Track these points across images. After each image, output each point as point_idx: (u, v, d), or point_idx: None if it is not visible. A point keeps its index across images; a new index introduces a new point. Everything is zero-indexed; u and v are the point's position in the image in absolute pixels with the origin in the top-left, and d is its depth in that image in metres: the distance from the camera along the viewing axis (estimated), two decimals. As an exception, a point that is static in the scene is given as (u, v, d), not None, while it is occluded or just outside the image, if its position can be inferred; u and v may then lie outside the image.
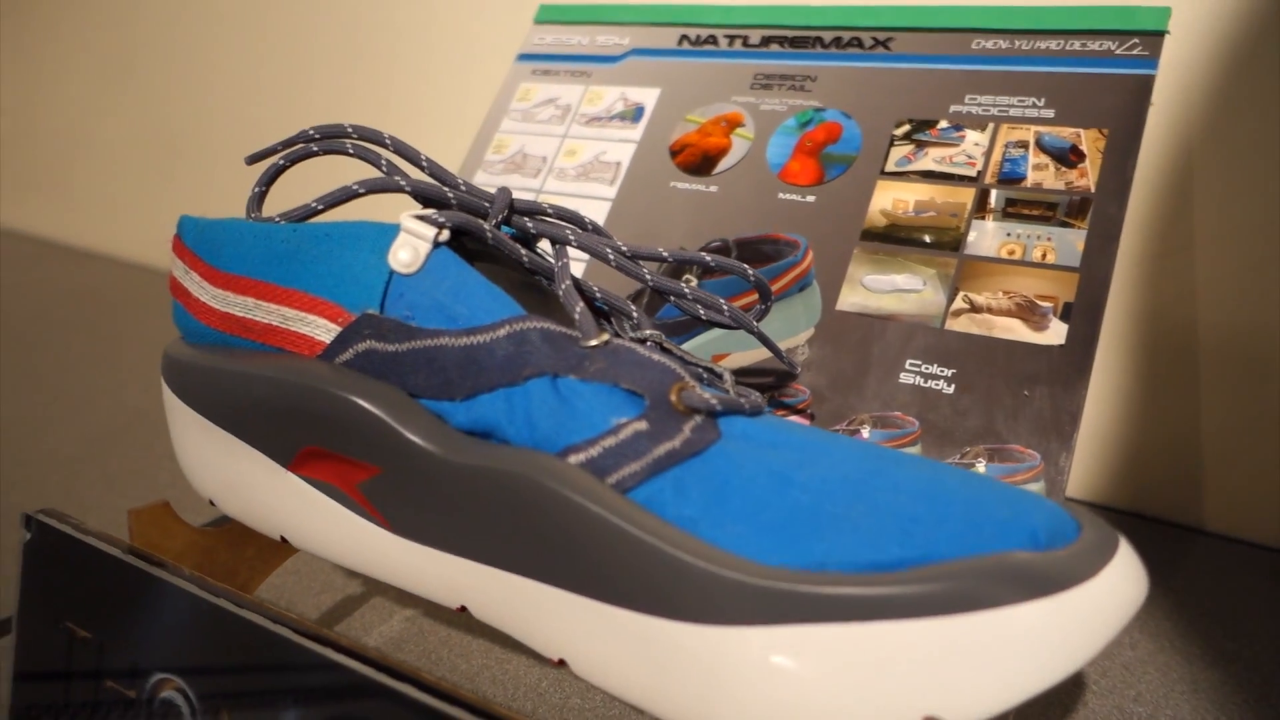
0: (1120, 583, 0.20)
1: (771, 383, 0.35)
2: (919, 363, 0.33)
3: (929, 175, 0.37)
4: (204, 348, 0.28)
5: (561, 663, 0.24)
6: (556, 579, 0.23)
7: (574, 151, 0.44)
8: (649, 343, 0.27)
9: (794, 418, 0.34)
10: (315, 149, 0.28)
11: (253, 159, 0.29)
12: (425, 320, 0.25)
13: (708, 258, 0.29)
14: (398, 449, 0.24)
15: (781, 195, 0.39)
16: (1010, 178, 0.36)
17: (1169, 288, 0.43)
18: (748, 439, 0.23)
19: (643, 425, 0.23)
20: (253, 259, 0.27)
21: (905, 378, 0.33)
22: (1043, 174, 0.35)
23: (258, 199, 0.28)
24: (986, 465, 0.31)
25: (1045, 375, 0.32)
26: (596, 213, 0.42)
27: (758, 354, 0.36)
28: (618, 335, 0.28)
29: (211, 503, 0.30)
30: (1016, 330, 0.33)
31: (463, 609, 0.26)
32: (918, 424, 0.32)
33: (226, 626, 0.24)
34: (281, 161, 0.29)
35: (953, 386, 0.33)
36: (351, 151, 0.28)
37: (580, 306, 0.25)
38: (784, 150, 0.40)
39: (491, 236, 0.26)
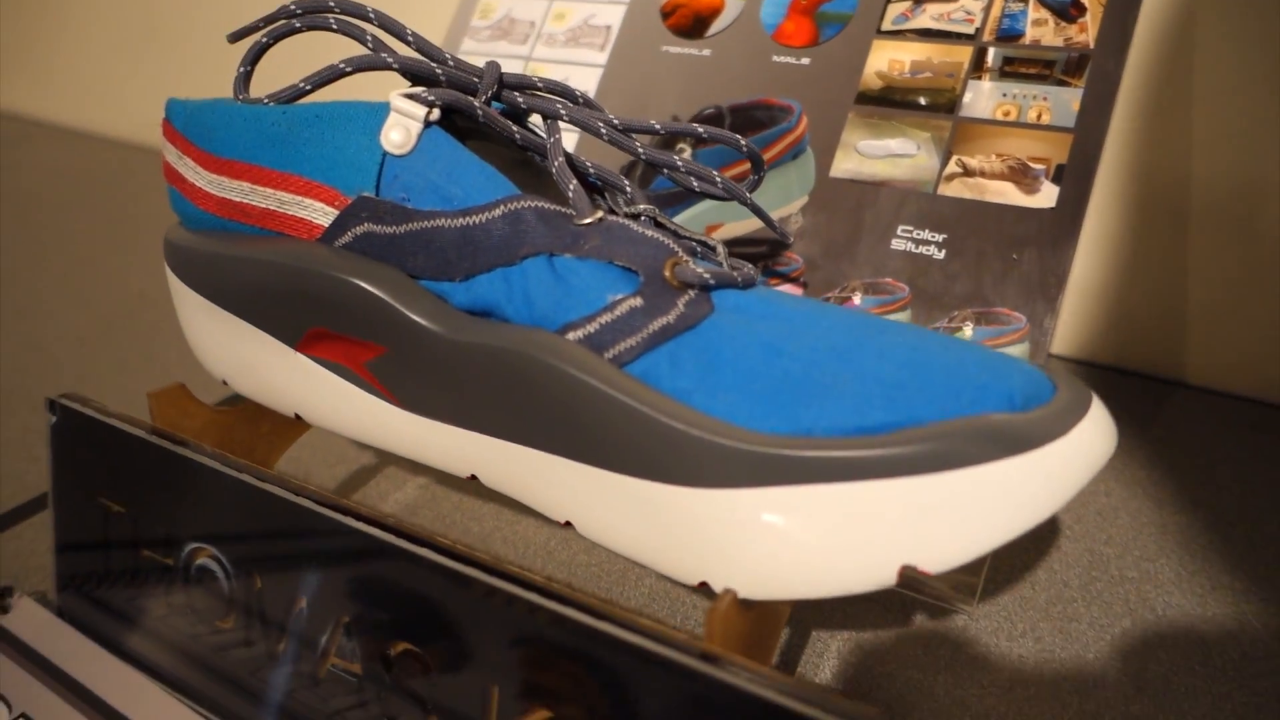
0: (1089, 439, 0.21)
1: (765, 252, 0.36)
2: (911, 228, 0.34)
3: (926, 34, 0.36)
4: (204, 233, 0.28)
5: (568, 524, 0.25)
6: (560, 448, 0.24)
7: (562, 15, 0.43)
8: (643, 217, 0.27)
9: (787, 286, 0.35)
10: (298, 25, 0.28)
11: (235, 36, 0.28)
12: (421, 201, 0.25)
13: (700, 129, 0.29)
14: (402, 329, 0.25)
15: (775, 58, 0.38)
16: (1009, 34, 0.35)
17: (1164, 144, 0.43)
18: (740, 311, 0.24)
19: (638, 301, 0.23)
20: (245, 143, 0.26)
21: (897, 244, 0.34)
22: (1042, 30, 0.34)
23: (244, 79, 0.28)
24: (974, 328, 0.32)
25: (1034, 238, 0.32)
26: (587, 80, 0.42)
27: (751, 224, 0.36)
28: (612, 211, 0.28)
29: (224, 382, 0.31)
30: (1008, 194, 0.33)
31: (473, 477, 0.27)
32: (908, 290, 0.33)
33: (252, 500, 0.26)
34: (265, 39, 0.28)
35: (944, 252, 0.33)
36: (335, 27, 0.27)
37: (574, 184, 0.25)
38: (779, 9, 0.39)
39: (482, 114, 0.26)
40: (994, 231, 0.33)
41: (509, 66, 0.43)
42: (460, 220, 0.25)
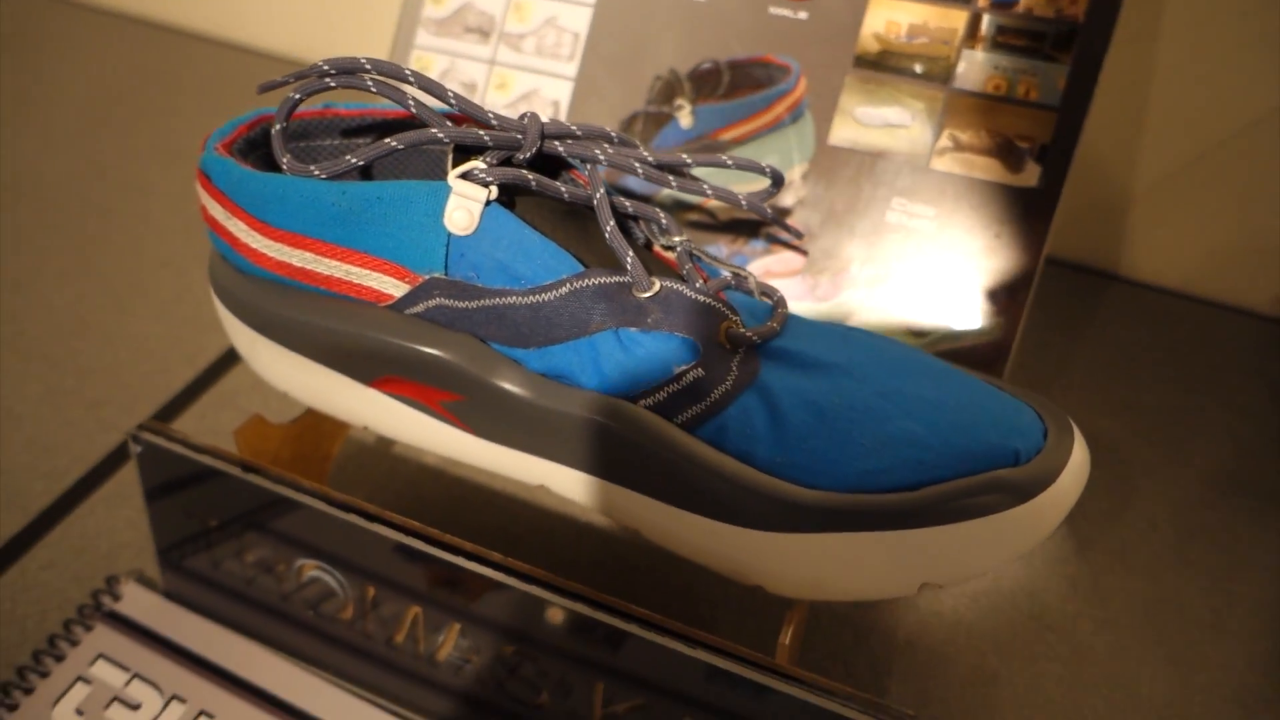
0: (1072, 481, 0.26)
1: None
2: (905, 201, 0.37)
3: (922, -7, 0.36)
4: (264, 285, 0.30)
5: (635, 530, 0.30)
6: (634, 485, 0.28)
7: (543, -58, 0.41)
8: (679, 248, 0.30)
9: (790, 253, 0.38)
10: (331, 84, 0.27)
11: (264, 88, 0.28)
12: (490, 279, 0.27)
13: (726, 159, 0.31)
14: (481, 387, 0.28)
15: (773, 10, 0.38)
16: (1002, 2, 0.36)
17: (1125, 74, 0.45)
18: (783, 360, 0.28)
19: (700, 371, 0.27)
20: (304, 219, 0.27)
21: (891, 217, 0.37)
22: (1034, -2, 0.35)
23: (281, 137, 0.28)
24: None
25: (1016, 216, 0.35)
26: (577, 20, 0.41)
27: (757, 184, 0.38)
28: (648, 245, 0.30)
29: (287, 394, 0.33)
30: (995, 170, 0.36)
31: (541, 486, 0.31)
32: (896, 265, 0.37)
33: (361, 536, 0.30)
34: (296, 95, 0.28)
35: (934, 225, 0.36)
36: (372, 88, 0.27)
37: (630, 256, 0.27)
38: (773, -46, 0.38)
39: (535, 184, 0.27)
40: (980, 207, 0.36)
41: (487, 4, 0.42)
42: (530, 298, 0.27)
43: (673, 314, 0.27)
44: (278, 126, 0.28)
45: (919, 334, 0.37)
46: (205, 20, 0.71)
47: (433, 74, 0.43)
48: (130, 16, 0.74)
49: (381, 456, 0.41)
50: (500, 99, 0.42)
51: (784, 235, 0.38)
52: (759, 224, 0.38)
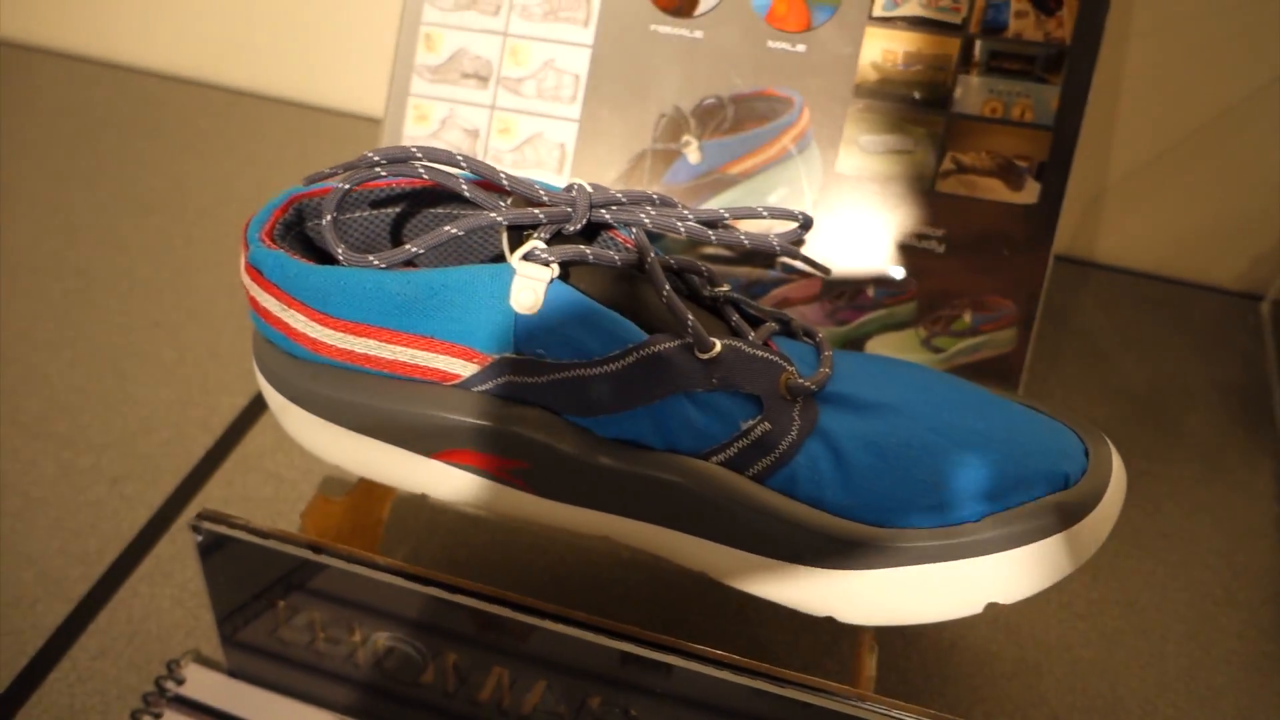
0: (1114, 499, 0.28)
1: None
2: (913, 225, 0.38)
3: (916, 22, 0.38)
4: (321, 369, 0.30)
5: (702, 572, 0.31)
6: (705, 534, 0.29)
7: (535, -16, 0.41)
8: (721, 299, 0.31)
9: (805, 280, 0.39)
10: (382, 173, 0.28)
11: (310, 180, 0.28)
12: (558, 354, 0.28)
13: (762, 210, 0.32)
14: (548, 455, 0.29)
15: (771, 44, 0.39)
16: (993, 26, 0.37)
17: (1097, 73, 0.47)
18: (839, 404, 0.29)
19: (766, 425, 0.28)
20: (366, 309, 0.28)
21: (902, 240, 0.38)
22: (1023, 22, 0.37)
23: (334, 231, 0.28)
24: (971, 315, 0.38)
25: (1020, 232, 0.37)
26: (577, 61, 0.41)
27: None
28: (692, 296, 0.31)
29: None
30: (997, 190, 0.38)
31: (604, 537, 0.32)
32: (914, 282, 0.38)
33: (434, 604, 0.30)
34: (345, 185, 0.28)
35: (943, 246, 0.38)
36: (425, 176, 0.28)
37: (690, 321, 0.28)
38: (768, -11, 0.39)
39: (593, 257, 0.28)
40: (986, 226, 0.38)
41: (483, 40, 0.42)
42: (598, 369, 0.28)
43: (735, 372, 0.28)
44: (328, 217, 0.28)
45: (936, 350, 0.38)
46: (184, 62, 0.68)
47: (432, 122, 0.43)
48: (78, 56, 0.71)
49: (420, 509, 0.41)
50: (504, 144, 0.42)
51: (808, 269, 0.39)
52: (774, 255, 0.39)
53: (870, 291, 0.39)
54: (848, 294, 0.39)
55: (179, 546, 0.41)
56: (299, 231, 0.32)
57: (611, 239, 0.31)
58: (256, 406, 0.46)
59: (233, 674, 0.36)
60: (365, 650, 0.33)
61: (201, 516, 0.32)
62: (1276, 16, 0.43)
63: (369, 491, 0.36)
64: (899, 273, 0.38)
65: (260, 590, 0.33)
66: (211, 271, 0.54)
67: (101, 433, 0.45)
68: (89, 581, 0.39)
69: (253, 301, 0.30)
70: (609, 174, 0.41)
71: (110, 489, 0.43)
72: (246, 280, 0.30)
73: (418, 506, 0.41)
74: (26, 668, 0.36)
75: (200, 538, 0.33)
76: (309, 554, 0.31)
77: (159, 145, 0.63)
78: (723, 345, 0.28)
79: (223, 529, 0.32)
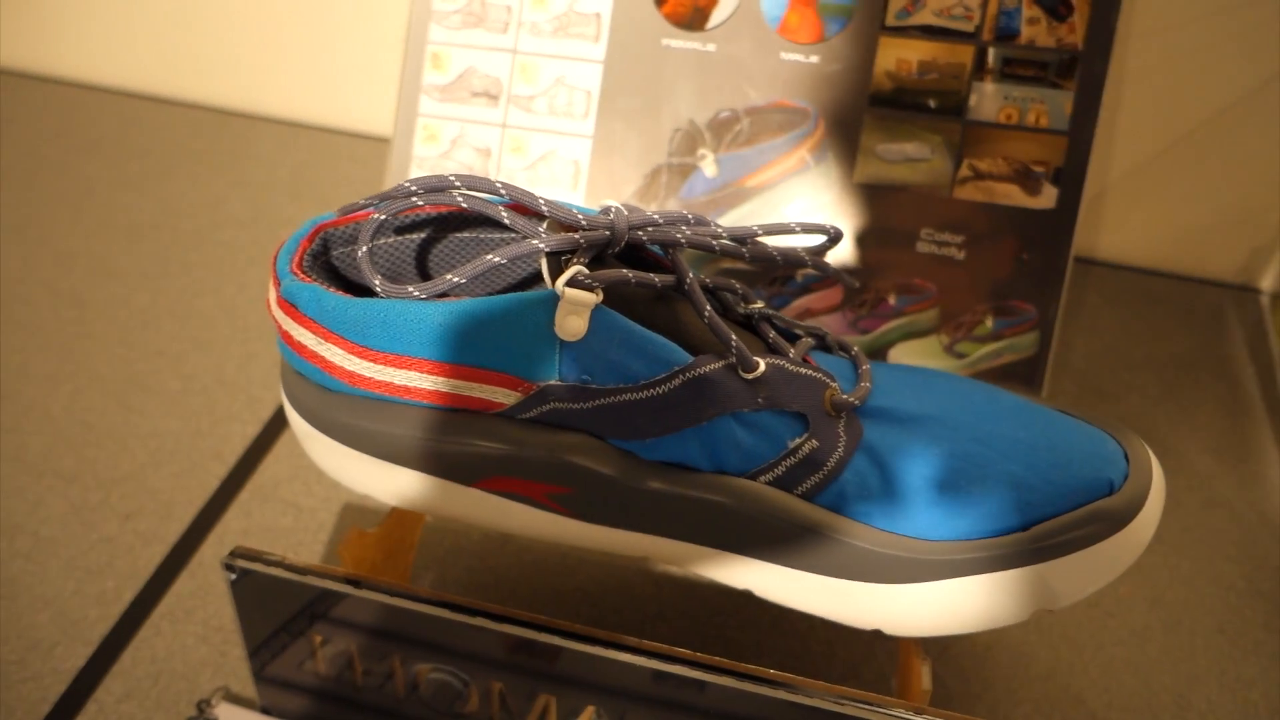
0: (1156, 502, 0.29)
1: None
2: (933, 231, 0.38)
3: (929, 31, 0.38)
4: (358, 402, 0.29)
5: (747, 590, 0.31)
6: (750, 553, 0.29)
7: (543, 0, 0.41)
8: (756, 316, 0.31)
9: (826, 290, 0.39)
10: (418, 202, 0.27)
11: (344, 212, 0.28)
12: (603, 379, 0.27)
13: (795, 225, 0.32)
14: (593, 479, 0.29)
15: (784, 55, 0.39)
16: (1006, 33, 0.38)
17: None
18: (881, 418, 0.29)
19: (814, 443, 0.28)
20: (409, 340, 0.27)
21: (921, 247, 0.39)
22: (1035, 29, 0.37)
23: (369, 258, 0.28)
24: (994, 320, 0.38)
25: (1039, 236, 0.38)
26: (588, 77, 0.41)
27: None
28: (725, 314, 0.31)
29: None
30: (1014, 196, 0.38)
31: (643, 557, 0.32)
32: (935, 289, 0.39)
33: (479, 634, 0.30)
34: (382, 216, 0.28)
35: (964, 253, 0.38)
36: (465, 205, 0.27)
37: (735, 341, 0.28)
38: (780, 1, 0.39)
39: (635, 279, 0.28)
40: (1005, 231, 0.38)
41: (492, 58, 0.42)
42: (644, 393, 0.27)
43: (779, 390, 0.28)
44: (364, 248, 0.28)
45: (959, 355, 0.39)
46: (170, 82, 0.67)
47: (442, 142, 0.42)
48: (59, 80, 0.69)
49: (443, 534, 0.41)
50: (517, 162, 0.42)
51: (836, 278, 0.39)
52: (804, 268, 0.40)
53: (892, 299, 0.39)
54: (869, 303, 0.39)
55: (199, 582, 0.40)
56: (325, 261, 0.32)
57: (646, 259, 0.31)
58: (269, 434, 0.46)
59: (266, 710, 0.35)
60: (404, 680, 0.32)
61: (235, 554, 0.32)
62: (1273, 17, 0.44)
63: (401, 520, 0.35)
64: (918, 279, 0.39)
65: (294, 624, 0.33)
66: (210, 296, 0.53)
67: (110, 467, 0.44)
68: (109, 622, 0.38)
69: (285, 336, 0.29)
70: (625, 190, 0.41)
71: (123, 525, 0.42)
72: (279, 314, 0.29)
73: (440, 532, 0.41)
74: (50, 713, 0.35)
75: (234, 575, 0.32)
76: (349, 589, 0.31)
77: (148, 168, 0.62)
78: (766, 364, 0.28)
79: (258, 567, 0.32)
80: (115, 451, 0.45)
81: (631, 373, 0.27)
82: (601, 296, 0.27)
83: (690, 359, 0.28)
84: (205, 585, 0.40)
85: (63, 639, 0.38)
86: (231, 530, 0.42)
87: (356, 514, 0.42)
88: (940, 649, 0.37)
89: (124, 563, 0.40)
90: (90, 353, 0.50)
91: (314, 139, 0.64)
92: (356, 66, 0.62)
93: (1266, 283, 0.51)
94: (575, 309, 0.27)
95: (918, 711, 0.27)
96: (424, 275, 0.33)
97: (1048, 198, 0.38)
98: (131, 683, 0.36)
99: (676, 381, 0.27)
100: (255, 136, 0.64)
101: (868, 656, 0.36)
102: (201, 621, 0.38)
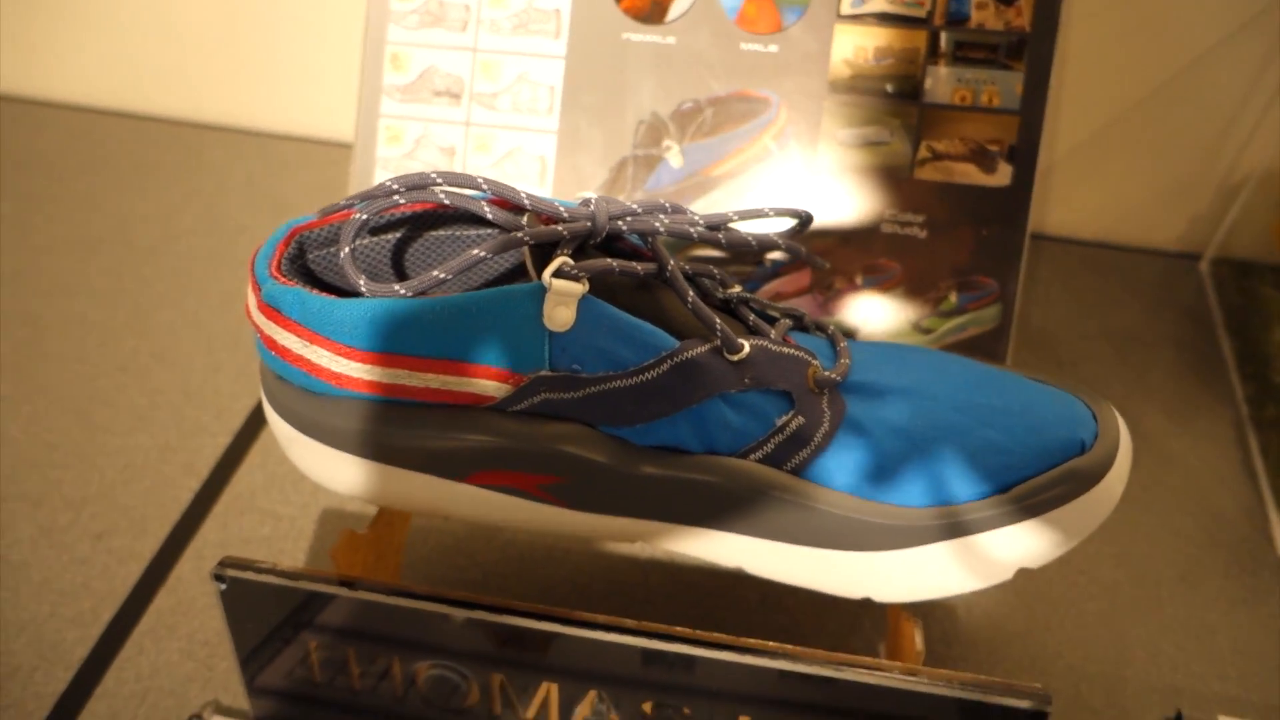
0: (1124, 462, 0.30)
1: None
2: (895, 212, 0.40)
3: (883, 18, 0.39)
4: (346, 404, 0.29)
5: (738, 568, 0.32)
6: (740, 530, 0.30)
7: (502, -2, 0.41)
8: (735, 300, 0.32)
9: (795, 274, 0.40)
10: (400, 200, 0.27)
11: (325, 213, 0.28)
12: (593, 367, 0.28)
13: (769, 210, 0.32)
14: (585, 467, 0.29)
15: (744, 45, 0.40)
16: (956, 18, 0.39)
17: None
18: (861, 393, 0.30)
19: (800, 420, 0.29)
20: (394, 339, 0.27)
21: (885, 228, 0.40)
22: (984, 13, 0.39)
23: (353, 262, 0.28)
24: (957, 295, 0.40)
25: (997, 213, 0.39)
26: (551, 72, 0.41)
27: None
28: (705, 296, 0.32)
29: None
30: (972, 174, 0.39)
31: (634, 541, 0.33)
32: (899, 267, 0.40)
33: (477, 628, 0.30)
34: (364, 216, 0.28)
35: (925, 232, 0.39)
36: (447, 201, 0.27)
37: (719, 324, 0.28)
38: (737, -8, 0.40)
39: (619, 269, 0.28)
40: (964, 209, 0.39)
41: (453, 57, 0.42)
42: (633, 379, 0.28)
43: (764, 370, 0.29)
44: (347, 249, 0.28)
45: (925, 331, 0.40)
46: (116, 94, 0.65)
47: (405, 143, 0.42)
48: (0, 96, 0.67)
49: (427, 531, 0.41)
50: (483, 160, 0.42)
51: (808, 261, 0.40)
52: (776, 250, 0.40)
53: (859, 280, 0.40)
54: (836, 284, 0.40)
55: (179, 597, 0.39)
56: (301, 265, 0.32)
57: (622, 249, 0.32)
58: (241, 444, 0.45)
59: (260, 721, 0.35)
60: (402, 680, 0.32)
61: (224, 564, 0.31)
62: (1203, -4, 0.46)
63: (390, 521, 0.35)
64: (883, 259, 0.40)
65: (286, 632, 0.32)
66: (170, 309, 0.52)
67: (78, 487, 0.43)
68: (88, 643, 0.38)
69: (268, 341, 0.29)
70: (592, 184, 0.41)
71: (95, 545, 0.41)
72: (260, 319, 0.29)
73: (425, 531, 0.41)
74: (35, 740, 0.35)
75: (224, 586, 0.32)
76: (344, 591, 0.31)
77: (97, 182, 0.60)
78: (751, 345, 0.29)
79: (249, 575, 0.31)
80: (82, 471, 0.44)
81: (620, 360, 0.28)
82: (588, 286, 0.28)
83: (677, 344, 0.28)
84: (186, 600, 0.39)
85: (41, 663, 0.37)
86: (209, 543, 0.41)
87: (336, 519, 0.42)
88: (923, 614, 0.38)
89: (100, 583, 0.40)
90: (48, 373, 0.48)
91: (264, 145, 0.63)
92: (306, 72, 0.61)
93: (1205, 250, 0.54)
94: (563, 299, 0.27)
95: (914, 671, 0.28)
96: (402, 275, 0.33)
97: (1003, 175, 0.39)
98: (117, 703, 0.36)
99: (665, 366, 0.28)
100: (205, 146, 0.63)
101: (855, 628, 0.37)
102: (185, 636, 0.38)
